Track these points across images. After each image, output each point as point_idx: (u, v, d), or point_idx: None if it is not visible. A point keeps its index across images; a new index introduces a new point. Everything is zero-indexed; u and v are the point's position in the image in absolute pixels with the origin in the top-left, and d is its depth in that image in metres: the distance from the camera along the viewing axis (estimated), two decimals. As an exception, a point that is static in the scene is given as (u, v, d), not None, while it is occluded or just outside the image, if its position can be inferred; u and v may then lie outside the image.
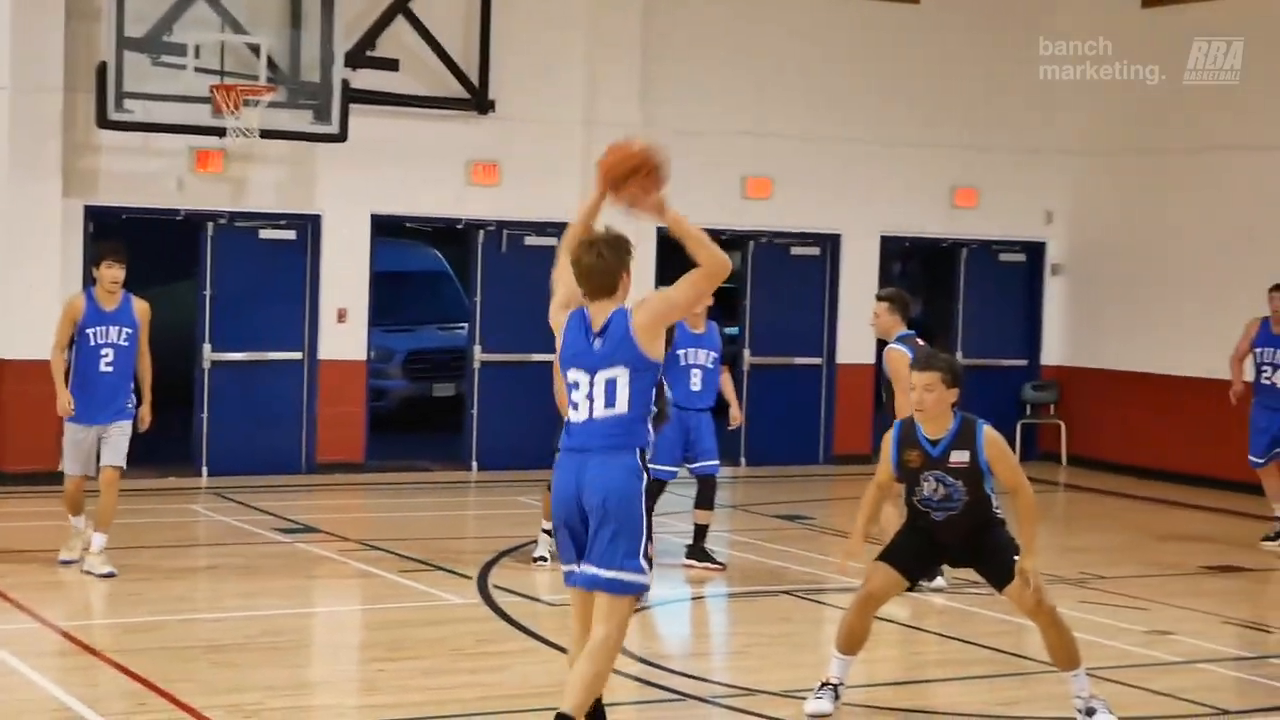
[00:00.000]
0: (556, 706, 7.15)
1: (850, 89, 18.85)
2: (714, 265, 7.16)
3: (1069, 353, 20.09)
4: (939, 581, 11.62)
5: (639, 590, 7.16)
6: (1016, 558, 8.31)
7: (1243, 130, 18.09)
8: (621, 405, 7.10)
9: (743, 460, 18.71)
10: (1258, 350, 14.35)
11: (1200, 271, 18.48)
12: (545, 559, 12.27)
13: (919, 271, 23.70)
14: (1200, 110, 18.46)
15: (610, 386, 7.12)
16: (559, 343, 7.34)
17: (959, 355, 19.59)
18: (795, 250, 19.07)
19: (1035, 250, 20.18)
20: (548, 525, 12.23)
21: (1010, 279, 20.17)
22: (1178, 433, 18.54)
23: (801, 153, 18.64)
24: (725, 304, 22.68)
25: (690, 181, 18.14)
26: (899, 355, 11.17)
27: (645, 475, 7.15)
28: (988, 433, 8.29)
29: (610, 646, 7.12)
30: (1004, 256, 20.12)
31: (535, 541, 12.60)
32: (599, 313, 7.21)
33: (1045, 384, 20.12)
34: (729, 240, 19.35)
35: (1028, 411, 20.02)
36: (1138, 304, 19.20)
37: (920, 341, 11.46)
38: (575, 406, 7.21)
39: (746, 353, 18.85)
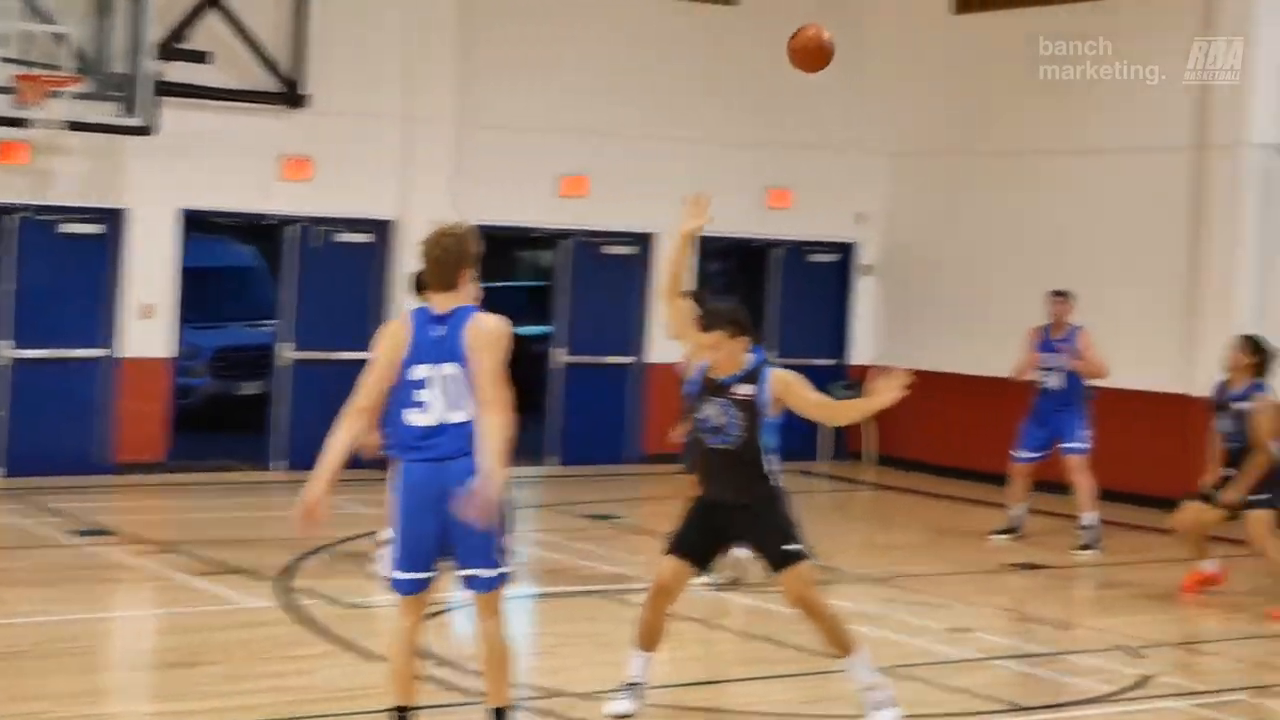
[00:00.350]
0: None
1: (667, 87, 18.86)
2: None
3: (878, 352, 20.27)
4: (718, 573, 11.62)
5: (505, 582, 7.41)
6: (788, 546, 8.30)
7: (1053, 134, 18.36)
8: (468, 408, 7.19)
9: (555, 458, 18.62)
10: (1041, 356, 14.60)
11: (1010, 273, 18.73)
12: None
13: (734, 271, 23.78)
14: (1011, 113, 18.74)
15: (454, 385, 7.20)
16: (407, 342, 7.27)
17: (772, 355, 19.72)
18: (609, 249, 19.03)
19: (846, 251, 20.35)
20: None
21: (822, 279, 20.34)
22: (985, 432, 18.75)
23: (618, 150, 18.60)
24: (538, 302, 22.68)
25: (506, 178, 18.10)
26: None
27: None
28: (774, 372, 8.42)
29: (500, 629, 7.46)
30: (815, 257, 20.28)
31: (346, 540, 12.41)
32: (441, 304, 7.32)
33: (854, 383, 20.22)
34: (543, 238, 19.30)
35: (831, 412, 20.16)
36: (947, 305, 19.44)
37: None
38: (422, 408, 7.24)
39: (560, 351, 18.76)
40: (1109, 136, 17.74)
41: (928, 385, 19.39)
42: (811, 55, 9.36)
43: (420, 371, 7.25)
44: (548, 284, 20.16)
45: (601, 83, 18.62)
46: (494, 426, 7.16)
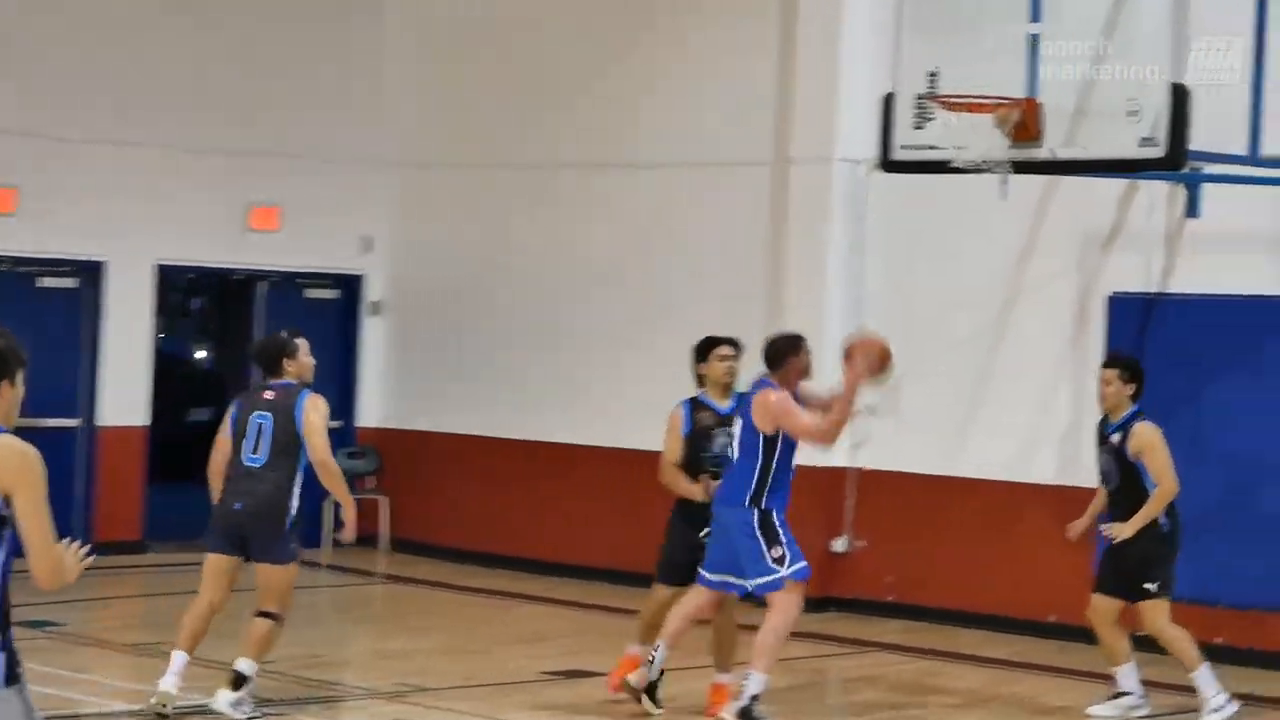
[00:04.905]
0: None
1: (115, 80, 18.56)
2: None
3: (392, 412, 20.32)
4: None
5: None
6: None
7: (606, 144, 18.78)
8: None
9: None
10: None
11: (553, 313, 19.00)
12: None
13: (212, 309, 23.52)
14: (554, 118, 19.07)
15: None
16: None
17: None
18: (44, 281, 18.60)
19: (351, 284, 20.44)
20: None
21: (321, 319, 20.23)
22: (525, 512, 18.92)
23: (51, 158, 18.22)
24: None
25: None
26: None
27: None
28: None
29: None
30: (312, 292, 20.28)
31: None
32: None
33: (362, 450, 20.24)
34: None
35: (342, 484, 20.11)
36: (478, 352, 19.55)
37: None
38: None
39: (-18, 413, 18.17)
40: (675, 149, 18.19)
41: (454, 452, 19.68)
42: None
43: None
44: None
45: (32, 74, 18.24)
46: None
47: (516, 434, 19.15)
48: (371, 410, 20.49)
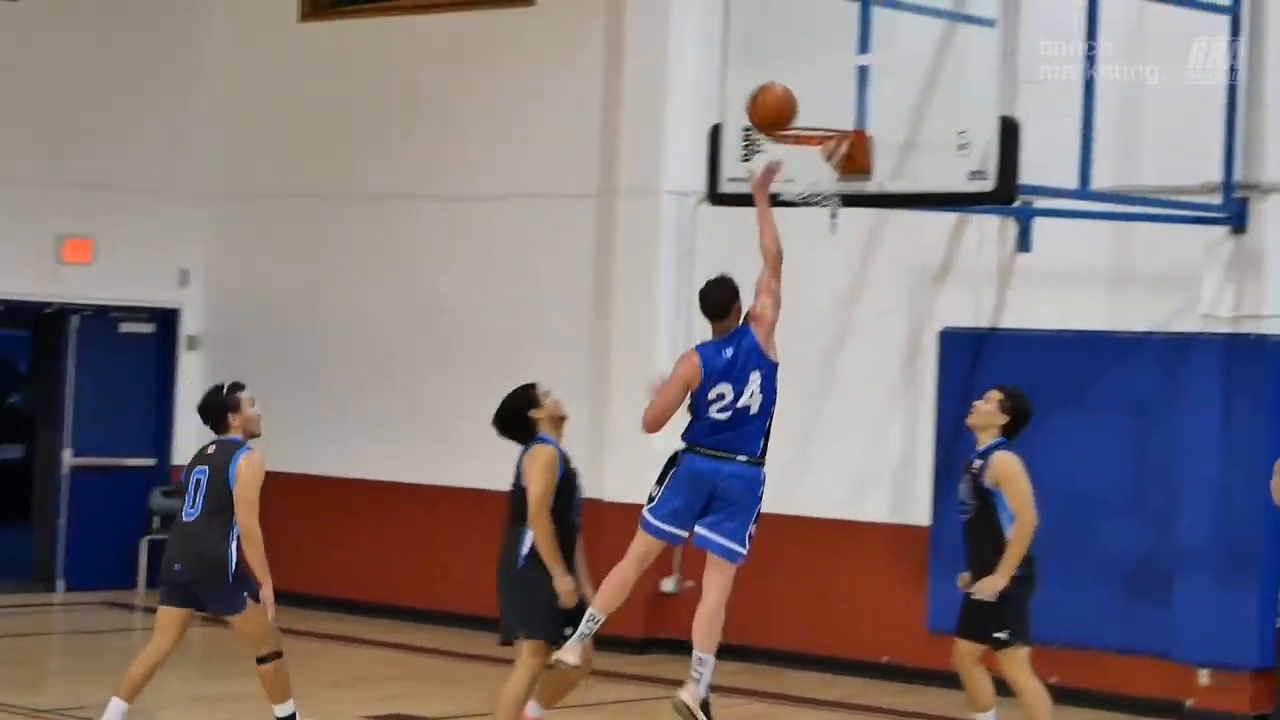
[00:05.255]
0: None
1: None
2: None
3: (211, 450, 20.06)
4: None
5: None
6: None
7: (430, 176, 18.68)
8: None
9: None
10: None
11: (379, 348, 18.92)
12: None
13: (22, 344, 23.16)
14: (377, 147, 18.94)
15: None
16: None
17: (69, 453, 19.28)
18: None
19: (167, 319, 20.20)
20: None
21: (136, 355, 20.07)
22: (351, 552, 18.76)
23: None
24: None
25: None
26: None
27: None
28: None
29: None
30: (127, 326, 20.00)
31: None
32: None
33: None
34: None
35: (156, 525, 19.83)
36: (301, 389, 19.39)
37: None
38: None
39: None
40: (500, 181, 18.08)
41: (280, 493, 19.33)
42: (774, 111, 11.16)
43: None
44: None
45: None
46: None
47: (341, 472, 19.03)
48: (189, 448, 19.93)
